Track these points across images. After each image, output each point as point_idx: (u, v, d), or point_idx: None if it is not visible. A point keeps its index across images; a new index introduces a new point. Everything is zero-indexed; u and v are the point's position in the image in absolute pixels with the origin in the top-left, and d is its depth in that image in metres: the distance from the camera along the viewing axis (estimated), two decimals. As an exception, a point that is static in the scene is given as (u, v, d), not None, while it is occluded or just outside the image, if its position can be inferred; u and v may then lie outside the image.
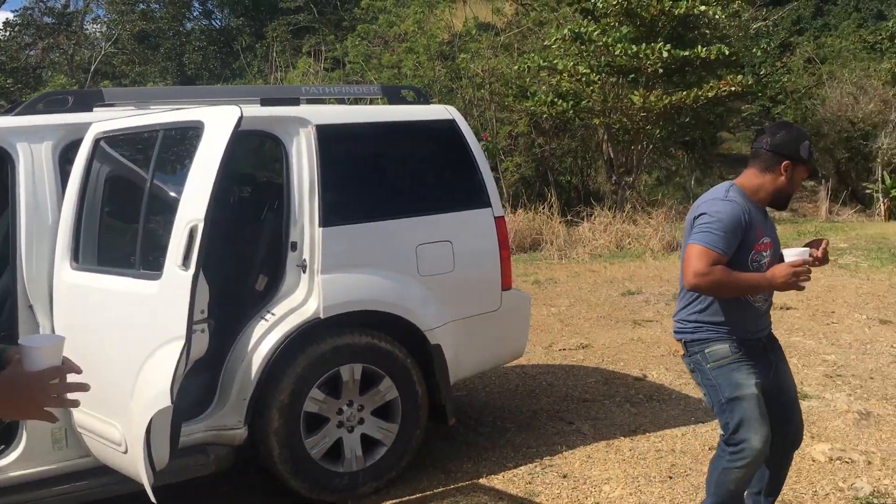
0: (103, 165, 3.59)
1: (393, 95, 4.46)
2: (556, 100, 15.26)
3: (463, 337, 4.22)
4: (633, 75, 15.66)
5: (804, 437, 4.31)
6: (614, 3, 14.83)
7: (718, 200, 2.94)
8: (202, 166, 2.90)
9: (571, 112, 15.37)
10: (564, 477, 4.06)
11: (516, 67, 15.67)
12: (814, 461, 4.17)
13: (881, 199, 20.36)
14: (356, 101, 5.52)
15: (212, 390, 3.77)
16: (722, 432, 3.06)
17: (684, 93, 14.89)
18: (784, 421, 3.17)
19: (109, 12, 25.72)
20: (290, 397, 3.77)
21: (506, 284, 4.39)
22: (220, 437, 3.73)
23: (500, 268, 4.36)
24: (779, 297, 7.74)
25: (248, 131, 3.89)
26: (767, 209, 3.12)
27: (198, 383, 3.74)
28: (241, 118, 2.88)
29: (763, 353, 3.10)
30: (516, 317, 4.50)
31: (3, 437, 3.40)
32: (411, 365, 4.05)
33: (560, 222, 13.49)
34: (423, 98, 4.50)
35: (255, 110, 3.90)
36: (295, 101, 4.08)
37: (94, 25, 27.08)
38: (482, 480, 4.10)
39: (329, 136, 3.92)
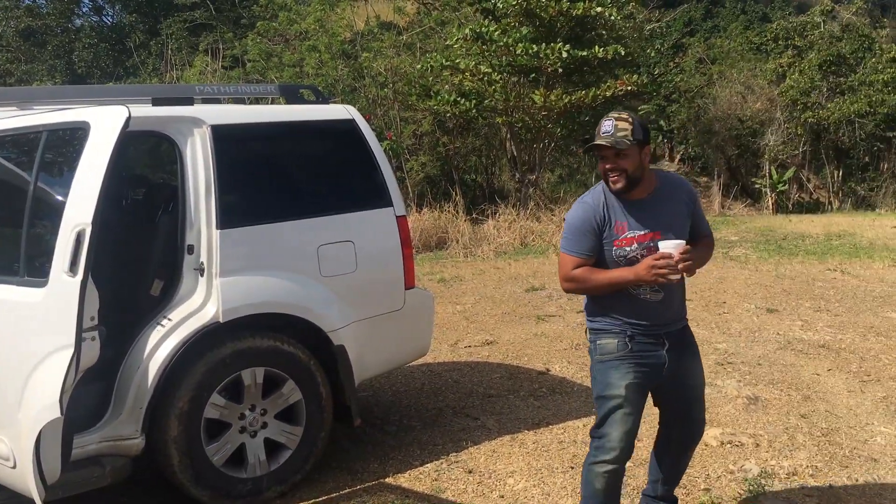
0: (-18, 168, 3.41)
1: (291, 95, 4.40)
2: (458, 99, 15.37)
3: (367, 337, 4.22)
4: (533, 75, 15.94)
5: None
6: (514, 3, 15.04)
7: (575, 204, 3.04)
8: (89, 168, 2.80)
9: (474, 111, 15.51)
10: (470, 472, 4.12)
11: (419, 67, 15.72)
12: (707, 446, 4.35)
13: (769, 194, 21.43)
14: (257, 101, 5.44)
15: (106, 400, 3.65)
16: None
17: (583, 92, 15.27)
18: (685, 416, 3.25)
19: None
20: (190, 404, 3.68)
21: (409, 283, 4.41)
22: (116, 448, 3.61)
23: (403, 267, 4.38)
24: (674, 289, 8.09)
25: (139, 132, 3.80)
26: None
27: (91, 393, 3.61)
28: (129, 119, 2.80)
29: (661, 349, 3.06)
30: (420, 315, 4.53)
31: None
32: (315, 366, 4.02)
33: (465, 220, 13.62)
34: (321, 98, 4.46)
35: (146, 110, 3.79)
36: (189, 101, 3.97)
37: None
38: (388, 479, 4.11)
39: (225, 137, 3.85)
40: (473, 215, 14.90)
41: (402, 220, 4.36)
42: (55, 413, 2.77)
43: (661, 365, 3.07)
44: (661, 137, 31.69)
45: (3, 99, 3.88)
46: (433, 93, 15.66)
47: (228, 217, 3.77)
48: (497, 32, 15.00)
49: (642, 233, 2.97)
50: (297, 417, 4.02)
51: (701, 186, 26.29)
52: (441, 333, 6.86)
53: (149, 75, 21.29)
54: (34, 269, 3.04)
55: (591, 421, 4.71)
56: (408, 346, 4.55)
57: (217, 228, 3.74)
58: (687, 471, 4.01)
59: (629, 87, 15.80)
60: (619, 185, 2.92)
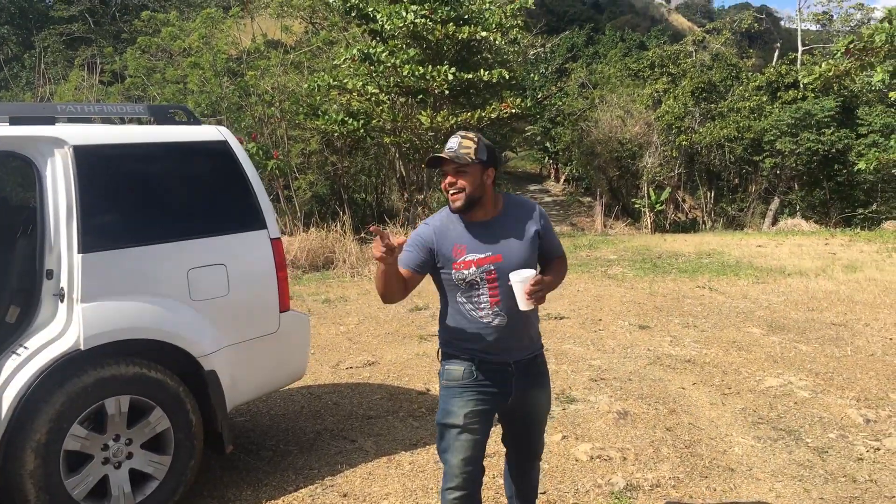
0: None
1: (160, 115, 4.30)
2: (346, 119, 15.40)
3: (240, 361, 4.15)
4: (421, 96, 16.17)
5: (570, 438, 4.69)
6: (401, 25, 15.23)
7: (420, 223, 3.07)
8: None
9: (362, 131, 15.57)
10: (345, 496, 4.11)
11: (306, 86, 15.65)
12: (577, 461, 4.51)
13: (647, 213, 22.40)
14: (138, 121, 5.26)
15: (-45, 434, 3.45)
16: None
17: (469, 113, 15.59)
18: (524, 439, 3.26)
19: None
20: (48, 436, 3.52)
21: (283, 306, 4.37)
22: (-34, 485, 3.42)
23: (278, 289, 4.34)
24: (553, 308, 8.33)
25: (-6, 152, 3.64)
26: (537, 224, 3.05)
27: (-63, 428, 3.41)
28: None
29: (507, 378, 3.03)
30: (295, 338, 4.49)
31: None
32: (184, 393, 3.92)
33: (353, 240, 13.57)
34: (193, 118, 4.38)
35: (2, 129, 3.63)
36: (50, 120, 3.83)
37: None
38: (261, 506, 4.05)
39: (88, 158, 3.74)
40: (361, 234, 14.88)
41: (276, 243, 4.33)
42: None
43: (506, 394, 3.04)
44: (546, 158, 32.70)
45: None
46: (321, 112, 15.62)
47: (91, 240, 3.65)
48: (384, 54, 15.14)
49: (481, 256, 2.94)
50: (165, 446, 3.90)
51: (584, 206, 27.25)
52: (323, 355, 6.82)
53: (21, 89, 20.30)
54: None
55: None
56: (283, 370, 4.50)
57: (79, 252, 3.61)
58: (559, 486, 4.16)
59: (513, 110, 16.23)
60: (457, 204, 2.92)
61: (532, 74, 22.67)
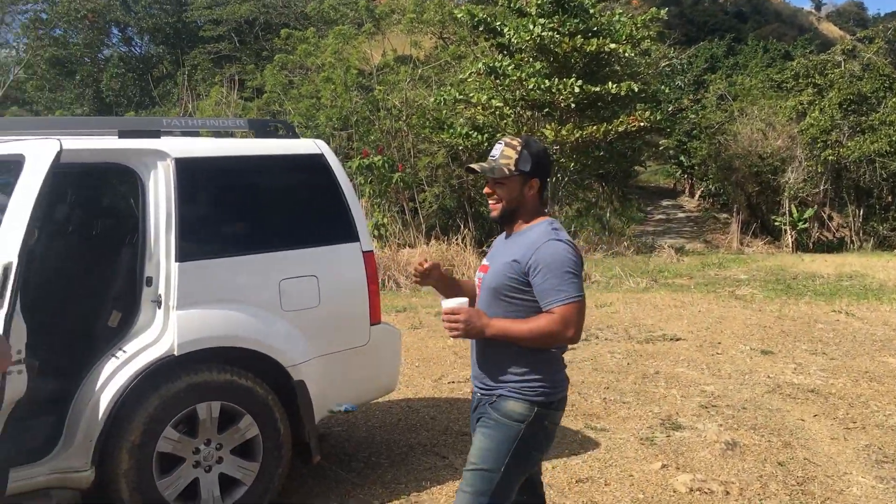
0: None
1: (260, 129, 4.42)
2: (471, 132, 15.47)
3: (329, 372, 4.17)
4: (547, 109, 16.02)
5: (671, 467, 4.44)
6: (528, 39, 15.16)
7: None
8: (19, 202, 2.82)
9: (486, 144, 15.57)
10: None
11: (433, 100, 15.85)
12: (675, 492, 4.25)
13: (789, 232, 21.17)
14: (247, 135, 5.44)
15: (58, 432, 3.64)
16: None
17: (595, 127, 15.28)
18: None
19: (19, 37, 25.04)
20: (142, 437, 3.66)
21: (374, 319, 4.37)
22: (66, 481, 3.59)
23: (369, 302, 4.35)
24: (669, 328, 7.98)
25: (103, 164, 3.85)
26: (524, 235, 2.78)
27: (41, 425, 3.62)
28: (59, 152, 2.82)
29: (474, 406, 2.88)
30: (385, 351, 4.48)
31: None
32: (273, 402, 3.98)
33: (475, 253, 13.57)
34: (291, 132, 4.48)
35: (111, 143, 3.83)
36: (156, 134, 4.02)
37: (4, 50, 26.33)
38: (346, 518, 4.05)
39: (189, 170, 3.87)
40: (484, 248, 14.86)
41: (368, 256, 4.34)
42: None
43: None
44: (681, 173, 31.59)
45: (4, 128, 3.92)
46: (446, 126, 15.77)
47: (188, 250, 3.77)
48: (510, 67, 15.12)
49: (483, 264, 2.89)
50: (253, 453, 3.98)
51: (720, 223, 26.10)
52: (426, 367, 6.80)
53: (172, 105, 21.69)
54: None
55: (560, 463, 4.67)
56: (372, 383, 4.49)
57: (176, 261, 3.74)
58: (650, 518, 3.92)
59: (642, 123, 15.79)
60: (493, 214, 2.81)
61: (663, 86, 21.97)
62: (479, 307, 2.79)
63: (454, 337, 2.69)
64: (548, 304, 2.64)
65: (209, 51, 24.37)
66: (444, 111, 16.12)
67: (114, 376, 3.64)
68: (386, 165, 14.26)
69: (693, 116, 24.77)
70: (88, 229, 4.39)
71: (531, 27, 15.11)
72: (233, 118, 5.01)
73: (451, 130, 15.49)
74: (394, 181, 14.45)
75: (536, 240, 2.70)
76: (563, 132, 15.02)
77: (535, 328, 2.65)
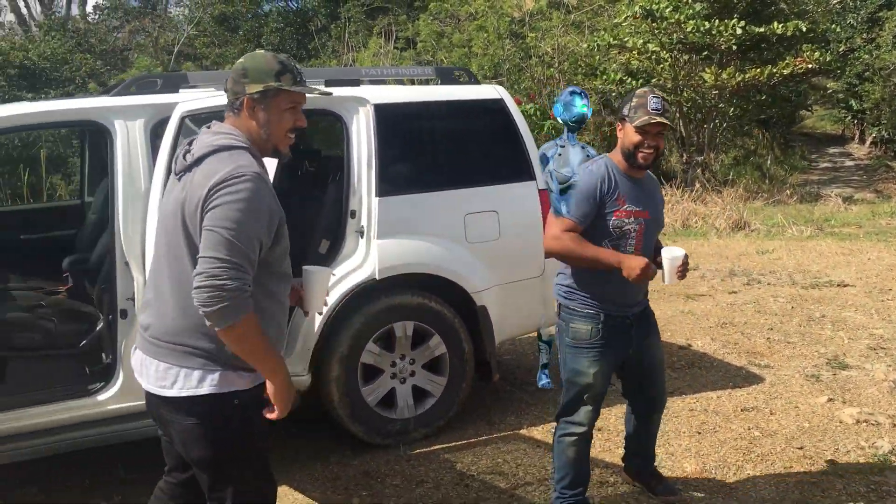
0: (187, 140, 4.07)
1: (446, 76, 4.81)
2: (624, 78, 15.30)
3: (507, 300, 4.57)
4: (706, 52, 15.56)
5: (837, 401, 4.56)
6: (689, -21, 14.74)
7: (583, 171, 3.18)
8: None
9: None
10: (599, 430, 4.37)
11: (585, 46, 15.77)
12: (840, 423, 4.38)
13: (969, 180, 19.64)
14: (426, 82, 5.88)
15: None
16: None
17: (758, 70, 14.73)
18: (647, 385, 3.46)
19: (192, -5, 26.75)
20: (349, 350, 4.21)
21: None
22: (287, 383, 4.19)
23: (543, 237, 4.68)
24: (836, 275, 7.85)
25: (314, 110, 4.33)
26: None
27: (267, 335, 4.21)
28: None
29: (627, 331, 3.28)
30: (558, 283, 4.81)
31: (102, 375, 3.93)
32: (458, 324, 4.43)
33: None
34: (473, 79, 4.83)
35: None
36: (356, 83, 4.49)
37: (177, 9, 28.19)
38: (523, 431, 4.47)
39: (385, 114, 4.32)
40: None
41: (543, 193, 4.65)
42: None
43: (627, 346, 3.30)
44: (850, 118, 29.65)
45: (203, 81, 4.53)
46: (599, 72, 15.67)
47: (386, 186, 4.24)
48: (668, 9, 14.75)
49: (637, 209, 3.16)
50: (441, 369, 4.46)
51: (893, 171, 24.46)
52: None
53: (328, 57, 22.63)
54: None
55: (725, 393, 4.86)
56: (546, 312, 4.84)
57: (376, 196, 4.22)
58: (818, 444, 4.10)
59: (810, 65, 15.06)
60: (648, 161, 3.13)
61: (833, 25, 20.65)
62: (644, 248, 3.21)
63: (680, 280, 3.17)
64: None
65: (362, 3, 25.13)
66: (598, 57, 15.99)
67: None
68: (538, 113, 14.42)
69: (866, 57, 23.15)
70: (303, 168, 4.95)
71: (691, -33, 14.66)
72: (422, 67, 5.43)
73: (605, 76, 15.38)
74: (545, 129, 14.60)
75: (656, 182, 3.36)
76: (724, 76, 14.58)
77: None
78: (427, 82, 4.91)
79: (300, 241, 4.53)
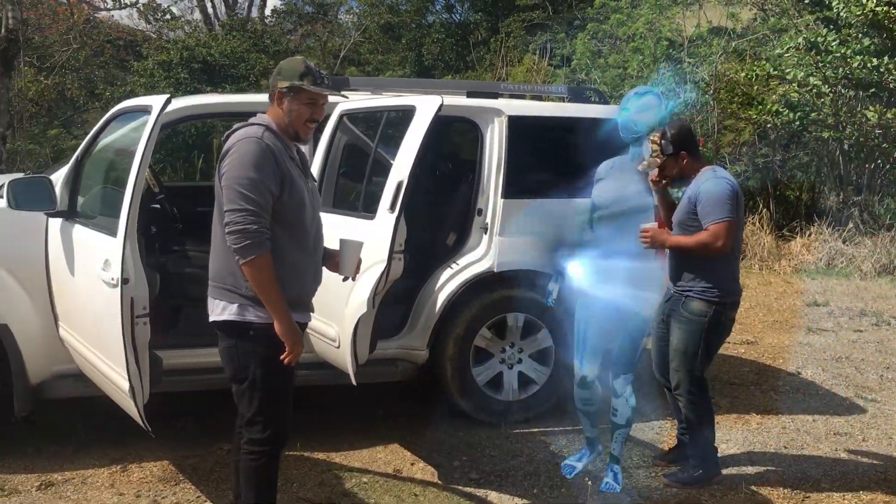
0: (343, 136, 4.74)
1: (577, 95, 5.24)
2: (781, 110, 14.99)
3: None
4: (873, 90, 14.98)
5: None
6: (859, 13, 14.27)
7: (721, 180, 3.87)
8: (411, 139, 3.87)
9: (797, 124, 15.01)
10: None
11: (744, 74, 15.54)
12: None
13: None
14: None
15: (405, 318, 4.80)
16: None
17: (927, 111, 14.05)
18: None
19: (361, 4, 28.24)
20: (465, 332, 4.72)
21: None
22: (408, 356, 4.76)
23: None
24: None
25: (454, 117, 4.91)
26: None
27: (395, 312, 4.78)
28: (441, 105, 3.80)
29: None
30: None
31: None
32: (565, 321, 4.82)
33: (769, 234, 13.37)
34: (602, 99, 5.23)
35: (461, 100, 4.87)
36: (495, 95, 5.00)
37: (347, 16, 29.88)
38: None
39: (517, 125, 4.80)
40: (783, 231, 14.52)
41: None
42: (368, 308, 3.86)
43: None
44: None
45: (362, 86, 5.17)
46: (756, 102, 15.40)
47: (511, 189, 4.72)
48: (835, 43, 14.34)
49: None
50: (546, 360, 4.89)
51: None
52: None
53: (484, 70, 23.34)
54: (368, 207, 4.21)
55: (821, 418, 5.00)
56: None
57: (502, 197, 4.71)
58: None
59: None
60: (666, 184, 3.92)
61: None
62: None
63: (646, 247, 3.79)
64: (705, 224, 3.71)
65: (523, 18, 25.66)
66: (756, 86, 15.74)
67: (448, 282, 4.71)
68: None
69: None
70: (440, 168, 5.53)
71: (864, 0, 14.20)
72: (555, 85, 5.89)
73: (761, 107, 15.13)
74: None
75: (700, 181, 3.86)
76: (888, 115, 14.02)
77: (695, 240, 3.75)
78: (562, 100, 5.34)
79: (432, 233, 5.14)
